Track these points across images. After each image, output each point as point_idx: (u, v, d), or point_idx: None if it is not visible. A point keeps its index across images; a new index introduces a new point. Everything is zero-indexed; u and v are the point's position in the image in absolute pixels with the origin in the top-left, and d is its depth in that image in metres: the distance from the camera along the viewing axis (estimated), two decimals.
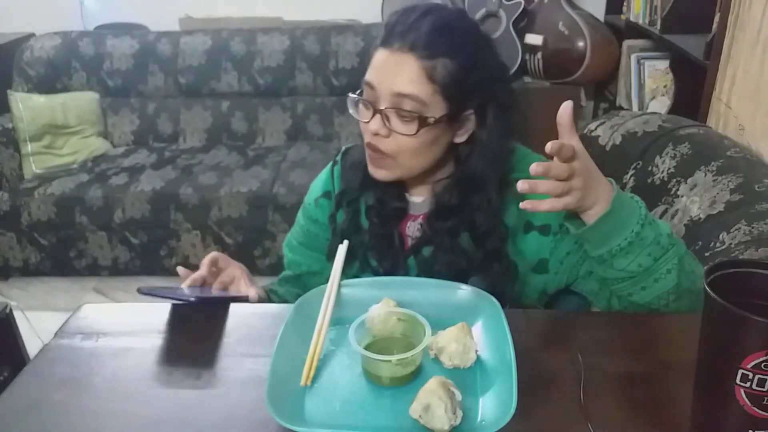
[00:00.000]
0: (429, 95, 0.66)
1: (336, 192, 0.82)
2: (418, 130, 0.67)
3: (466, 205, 0.72)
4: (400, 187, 0.78)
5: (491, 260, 0.72)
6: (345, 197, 0.80)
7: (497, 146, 0.71)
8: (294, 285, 0.88)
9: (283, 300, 0.85)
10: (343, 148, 0.85)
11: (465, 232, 0.73)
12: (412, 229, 0.78)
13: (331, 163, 0.85)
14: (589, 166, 0.59)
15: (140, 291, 0.66)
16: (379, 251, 0.77)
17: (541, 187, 0.57)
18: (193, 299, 0.67)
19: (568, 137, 0.58)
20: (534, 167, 0.54)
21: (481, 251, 0.72)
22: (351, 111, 0.73)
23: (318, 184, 0.86)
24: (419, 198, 0.78)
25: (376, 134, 0.68)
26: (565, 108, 0.57)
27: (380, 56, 0.68)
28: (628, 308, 0.69)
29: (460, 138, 0.71)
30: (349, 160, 0.82)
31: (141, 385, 0.58)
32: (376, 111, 0.68)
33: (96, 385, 0.58)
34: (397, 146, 0.69)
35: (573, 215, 0.63)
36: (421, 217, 0.77)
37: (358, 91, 0.71)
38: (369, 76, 0.69)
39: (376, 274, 0.78)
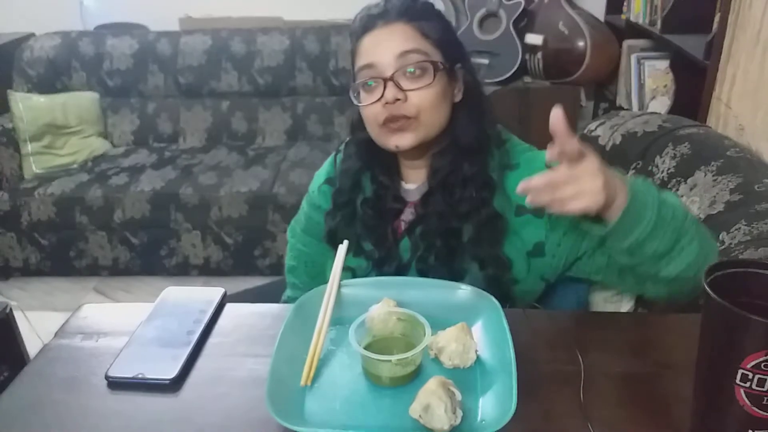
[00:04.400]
0: (427, 47, 0.72)
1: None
2: (435, 76, 0.71)
3: (457, 161, 0.75)
4: (397, 178, 0.81)
5: (478, 207, 0.74)
6: (340, 197, 0.82)
7: (486, 101, 0.79)
8: (299, 275, 0.94)
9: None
10: (348, 138, 0.87)
11: (456, 184, 0.75)
12: (406, 214, 0.80)
13: (334, 152, 0.88)
14: (601, 164, 0.57)
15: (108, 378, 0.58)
16: (373, 239, 0.80)
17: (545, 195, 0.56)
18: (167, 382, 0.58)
19: (569, 143, 0.55)
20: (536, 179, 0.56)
21: (467, 196, 0.74)
22: (355, 102, 0.75)
23: (321, 172, 0.90)
24: (413, 185, 0.80)
25: (394, 101, 0.70)
26: (556, 116, 0.55)
27: (368, 39, 0.73)
28: (649, 289, 0.68)
29: (458, 96, 0.76)
30: (349, 151, 0.84)
31: (141, 385, 0.58)
32: (385, 82, 0.71)
33: (96, 385, 0.58)
34: (417, 105, 0.72)
35: (592, 219, 0.61)
36: (415, 202, 0.79)
37: (355, 85, 0.74)
38: (365, 59, 0.73)
39: (370, 258, 0.79)
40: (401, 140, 0.73)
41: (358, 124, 0.80)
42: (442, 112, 0.74)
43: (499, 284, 0.73)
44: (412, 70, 0.71)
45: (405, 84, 0.71)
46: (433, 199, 0.77)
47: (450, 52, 0.74)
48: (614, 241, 0.63)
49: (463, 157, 0.75)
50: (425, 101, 0.71)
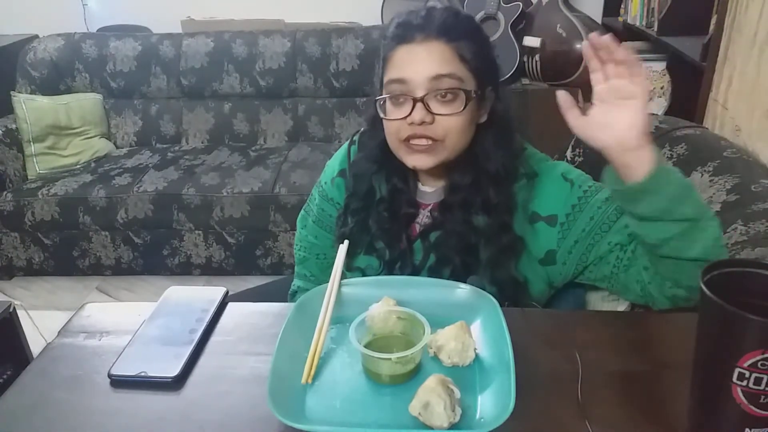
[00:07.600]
0: (463, 72, 0.70)
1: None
2: (465, 105, 0.69)
3: (478, 182, 0.74)
4: (413, 180, 0.79)
5: (499, 232, 0.73)
6: (353, 203, 0.81)
7: (511, 121, 0.75)
8: (310, 267, 0.91)
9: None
10: (361, 129, 0.85)
11: (476, 205, 0.74)
12: (421, 216, 0.79)
13: (348, 142, 0.85)
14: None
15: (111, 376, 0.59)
16: (386, 239, 0.79)
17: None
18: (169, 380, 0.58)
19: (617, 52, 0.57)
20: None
21: (490, 222, 0.73)
22: (380, 113, 0.72)
23: (334, 163, 0.87)
24: (431, 188, 0.79)
25: (421, 123, 0.69)
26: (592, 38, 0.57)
27: (404, 52, 0.70)
28: (666, 291, 0.66)
29: (483, 117, 0.74)
30: (364, 151, 0.82)
31: (144, 383, 0.58)
32: (415, 101, 0.69)
33: (99, 383, 0.58)
34: (444, 129, 0.70)
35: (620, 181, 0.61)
36: (431, 205, 0.79)
37: (382, 96, 0.71)
38: (397, 73, 0.70)
39: (381, 257, 0.79)
40: (420, 161, 0.72)
41: (376, 121, 0.77)
42: (468, 136, 0.73)
43: (515, 304, 0.73)
44: (444, 94, 0.69)
45: (435, 107, 0.69)
46: (451, 215, 0.75)
47: (484, 76, 0.72)
48: (652, 199, 0.59)
49: (489, 184, 0.73)
50: (453, 127, 0.70)
